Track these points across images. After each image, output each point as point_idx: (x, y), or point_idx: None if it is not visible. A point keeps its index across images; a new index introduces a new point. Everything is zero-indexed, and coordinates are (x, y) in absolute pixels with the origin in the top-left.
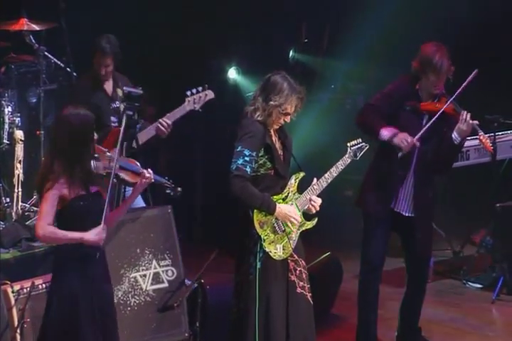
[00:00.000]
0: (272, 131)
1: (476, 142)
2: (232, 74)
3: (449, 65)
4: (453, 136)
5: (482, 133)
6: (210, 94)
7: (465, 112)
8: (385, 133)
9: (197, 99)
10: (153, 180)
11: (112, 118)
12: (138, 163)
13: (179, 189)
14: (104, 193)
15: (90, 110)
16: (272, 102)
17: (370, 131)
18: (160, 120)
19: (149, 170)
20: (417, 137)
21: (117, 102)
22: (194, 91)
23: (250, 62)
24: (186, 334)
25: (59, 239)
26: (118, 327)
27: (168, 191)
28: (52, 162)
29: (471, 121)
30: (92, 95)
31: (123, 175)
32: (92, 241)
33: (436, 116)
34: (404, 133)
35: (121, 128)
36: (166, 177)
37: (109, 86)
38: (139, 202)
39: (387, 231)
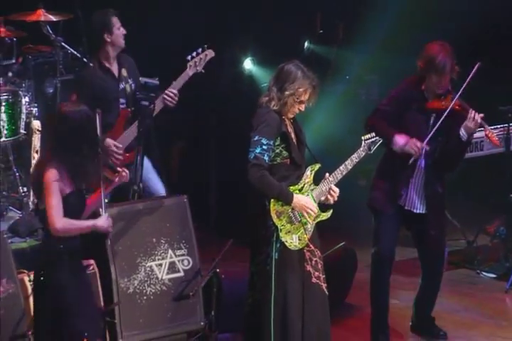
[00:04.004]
0: (287, 120)
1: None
2: (248, 64)
3: (453, 65)
4: (460, 133)
5: (488, 127)
6: (211, 53)
7: (473, 111)
8: (397, 140)
9: (198, 61)
10: (128, 180)
11: (121, 100)
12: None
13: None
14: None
15: (99, 93)
16: (286, 91)
17: (382, 137)
18: (166, 91)
19: (125, 169)
20: (426, 140)
21: (123, 83)
22: (194, 54)
23: (266, 53)
24: (202, 323)
25: (76, 229)
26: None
27: (135, 187)
28: (49, 157)
29: (479, 121)
30: (99, 78)
31: (104, 171)
32: (104, 228)
33: (443, 116)
34: (413, 139)
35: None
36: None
37: (115, 67)
38: (161, 191)
39: (396, 225)
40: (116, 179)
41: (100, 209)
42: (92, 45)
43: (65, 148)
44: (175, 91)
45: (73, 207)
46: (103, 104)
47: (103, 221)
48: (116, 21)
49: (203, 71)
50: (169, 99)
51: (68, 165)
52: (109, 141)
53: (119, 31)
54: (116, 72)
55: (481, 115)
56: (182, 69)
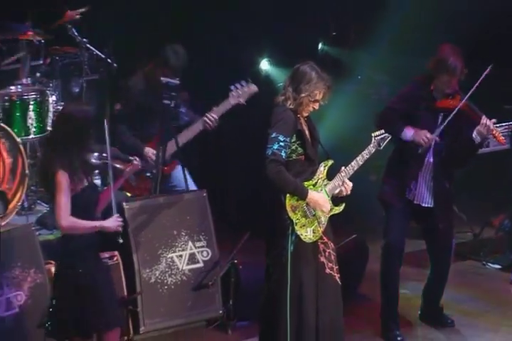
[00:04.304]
0: (302, 118)
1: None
2: (265, 65)
3: (463, 67)
4: (473, 136)
5: (495, 128)
6: (254, 88)
7: (485, 117)
8: (407, 132)
9: (241, 93)
10: (140, 167)
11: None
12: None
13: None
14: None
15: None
16: (301, 91)
17: (391, 132)
18: (207, 115)
19: (137, 158)
20: (435, 134)
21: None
22: (238, 85)
23: (281, 54)
24: (220, 312)
25: (81, 229)
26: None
27: (148, 174)
28: (53, 156)
29: (491, 127)
30: (145, 95)
31: (115, 163)
32: (112, 228)
33: (453, 113)
34: (423, 130)
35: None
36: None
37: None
38: (191, 185)
39: (406, 219)
40: (128, 168)
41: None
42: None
43: (72, 145)
44: (216, 116)
45: (87, 201)
46: (146, 115)
47: (111, 222)
48: (161, 67)
49: (245, 104)
50: (210, 123)
51: (77, 162)
52: (148, 149)
53: (159, 74)
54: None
55: (493, 120)
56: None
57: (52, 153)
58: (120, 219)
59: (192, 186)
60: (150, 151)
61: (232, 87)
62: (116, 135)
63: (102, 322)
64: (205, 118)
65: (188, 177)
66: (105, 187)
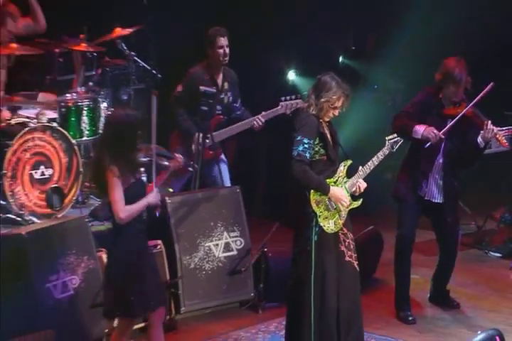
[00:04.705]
0: (324, 123)
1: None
2: (291, 75)
3: (467, 77)
4: (478, 140)
5: (499, 134)
6: (300, 103)
7: (489, 122)
8: (417, 129)
9: (289, 105)
10: (182, 163)
11: (218, 107)
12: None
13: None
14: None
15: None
16: (322, 99)
17: (404, 131)
18: (256, 117)
19: (180, 155)
20: (442, 132)
21: (223, 94)
22: (288, 98)
23: (306, 66)
24: (252, 294)
25: (136, 212)
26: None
27: (190, 169)
28: (107, 154)
29: (495, 131)
30: (204, 82)
31: (160, 160)
32: (154, 201)
33: (457, 118)
34: (431, 127)
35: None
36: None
37: (219, 79)
38: (226, 181)
39: (417, 213)
40: (172, 165)
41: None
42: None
43: (121, 145)
44: (263, 120)
45: (135, 195)
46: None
47: (153, 196)
48: (220, 40)
49: (290, 115)
50: (257, 124)
51: (126, 160)
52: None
53: (219, 50)
54: (220, 83)
55: (498, 128)
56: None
57: (103, 153)
58: (159, 194)
59: (227, 182)
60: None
61: (282, 99)
62: (175, 116)
63: (148, 304)
64: (254, 121)
65: (227, 173)
66: (150, 183)
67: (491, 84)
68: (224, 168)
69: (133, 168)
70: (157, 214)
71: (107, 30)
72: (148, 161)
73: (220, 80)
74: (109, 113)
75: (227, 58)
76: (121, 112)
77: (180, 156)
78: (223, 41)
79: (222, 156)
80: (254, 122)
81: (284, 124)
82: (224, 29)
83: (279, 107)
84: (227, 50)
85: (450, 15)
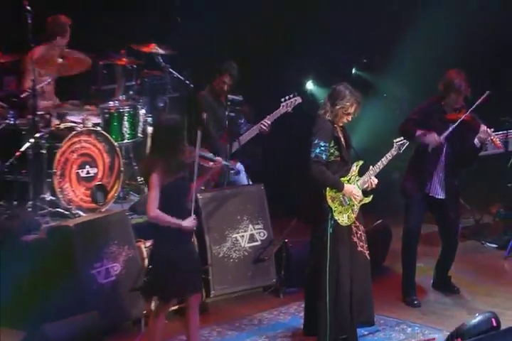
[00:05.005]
0: (338, 128)
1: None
2: (310, 85)
3: (467, 86)
4: (475, 142)
5: (493, 135)
6: (299, 99)
7: (484, 126)
8: (419, 133)
9: (289, 103)
10: (223, 163)
11: (226, 122)
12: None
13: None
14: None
15: (214, 117)
16: (337, 106)
17: (409, 135)
18: (262, 121)
19: (219, 158)
20: (442, 136)
21: (227, 111)
22: (287, 97)
23: (323, 77)
24: (274, 280)
25: (163, 222)
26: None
27: (231, 171)
28: (154, 156)
29: (489, 132)
30: (213, 106)
31: (202, 162)
32: (188, 228)
33: (457, 122)
34: (433, 132)
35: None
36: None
37: (223, 97)
38: (243, 180)
39: (422, 208)
40: (214, 166)
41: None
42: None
43: (167, 148)
44: (269, 122)
45: (179, 190)
46: (216, 121)
47: (188, 222)
48: (226, 78)
49: (291, 112)
50: (264, 127)
51: (172, 160)
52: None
53: (222, 85)
54: (223, 101)
55: (492, 129)
56: (274, 106)
57: (152, 155)
58: (195, 221)
59: (244, 180)
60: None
61: (282, 99)
62: (209, 138)
63: (184, 289)
64: (261, 125)
65: (244, 177)
66: (193, 182)
67: (487, 92)
68: (241, 170)
69: (176, 167)
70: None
71: (144, 44)
72: (192, 162)
73: (223, 98)
74: (157, 118)
75: (225, 90)
76: (167, 117)
77: (220, 159)
78: (228, 80)
79: (238, 163)
80: (261, 126)
81: (302, 129)
82: (236, 69)
83: (281, 107)
84: (225, 87)
85: (452, 30)
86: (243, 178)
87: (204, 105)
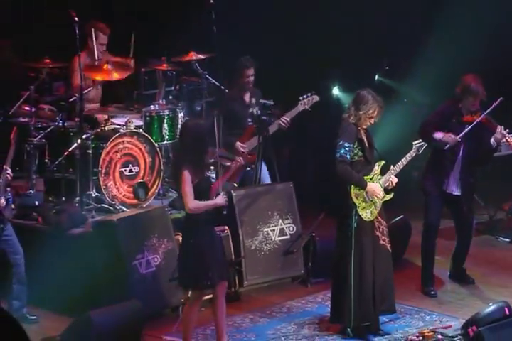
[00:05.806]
0: (361, 130)
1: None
2: (336, 91)
3: (483, 90)
4: (491, 142)
5: (509, 136)
6: (316, 98)
7: (500, 127)
8: (437, 134)
9: (307, 101)
10: (242, 164)
11: (248, 120)
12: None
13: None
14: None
15: (232, 112)
16: (361, 110)
17: (428, 136)
18: (281, 118)
19: (240, 158)
20: (459, 136)
21: (251, 109)
22: (304, 96)
23: (348, 83)
24: (302, 271)
25: (203, 208)
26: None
27: (248, 168)
28: (182, 157)
29: (505, 133)
30: (234, 104)
31: (223, 161)
32: (221, 203)
33: (473, 124)
34: (449, 133)
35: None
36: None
37: (247, 97)
38: (266, 179)
39: (440, 203)
40: (233, 165)
41: (222, 192)
42: (233, 79)
43: (194, 150)
44: (288, 119)
45: (203, 190)
46: (235, 120)
47: (220, 199)
48: (246, 72)
49: (310, 110)
50: (283, 124)
51: (198, 161)
52: (238, 143)
53: (246, 79)
54: (247, 100)
55: (507, 130)
56: (293, 103)
57: (180, 156)
58: (226, 197)
59: (266, 177)
60: (239, 144)
61: (300, 97)
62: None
63: (214, 278)
64: (280, 121)
65: (266, 173)
66: (216, 180)
67: (500, 99)
68: (264, 169)
69: (203, 167)
70: (224, 213)
71: (184, 53)
72: (214, 162)
73: (247, 98)
74: (185, 123)
75: (251, 84)
76: (193, 122)
77: (241, 158)
78: (249, 71)
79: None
80: (281, 122)
81: (329, 131)
82: (251, 60)
83: (299, 105)
84: (252, 79)
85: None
86: (265, 177)
87: (221, 103)
